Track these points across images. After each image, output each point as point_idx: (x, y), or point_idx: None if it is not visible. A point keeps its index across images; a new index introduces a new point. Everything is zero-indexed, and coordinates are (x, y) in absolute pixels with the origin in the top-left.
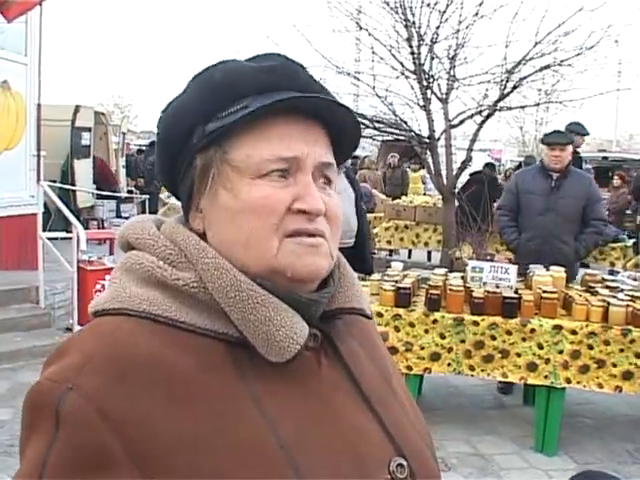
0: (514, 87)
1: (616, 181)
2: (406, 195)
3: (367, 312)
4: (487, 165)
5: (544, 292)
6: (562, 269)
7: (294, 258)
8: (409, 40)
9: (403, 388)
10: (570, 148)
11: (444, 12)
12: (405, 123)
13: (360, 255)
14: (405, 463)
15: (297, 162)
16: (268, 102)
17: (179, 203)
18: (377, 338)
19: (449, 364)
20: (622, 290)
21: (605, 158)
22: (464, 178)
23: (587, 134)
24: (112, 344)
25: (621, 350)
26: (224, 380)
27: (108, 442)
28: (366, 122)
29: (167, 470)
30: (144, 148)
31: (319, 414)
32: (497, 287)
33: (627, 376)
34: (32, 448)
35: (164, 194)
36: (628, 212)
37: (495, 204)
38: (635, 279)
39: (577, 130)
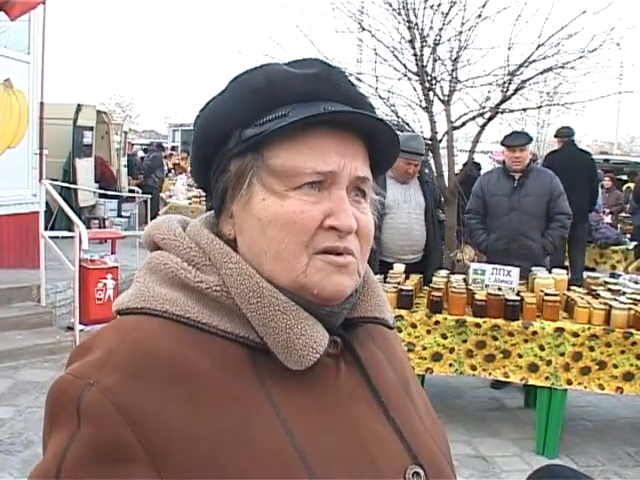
0: (516, 89)
1: (606, 183)
2: None
3: (389, 322)
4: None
5: (546, 295)
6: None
7: (322, 277)
8: (412, 42)
9: (422, 396)
10: (530, 148)
11: (447, 14)
12: (407, 125)
13: (424, 272)
14: (421, 471)
15: (333, 176)
16: (309, 114)
17: (180, 203)
18: (398, 346)
19: (451, 364)
20: (624, 293)
21: (607, 161)
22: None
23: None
24: (133, 342)
25: (622, 352)
26: (242, 382)
27: (126, 437)
28: None
29: (182, 467)
30: (146, 147)
31: (335, 420)
32: (499, 289)
33: (628, 377)
34: (53, 441)
35: (165, 193)
36: (625, 215)
37: None
38: (637, 282)
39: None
